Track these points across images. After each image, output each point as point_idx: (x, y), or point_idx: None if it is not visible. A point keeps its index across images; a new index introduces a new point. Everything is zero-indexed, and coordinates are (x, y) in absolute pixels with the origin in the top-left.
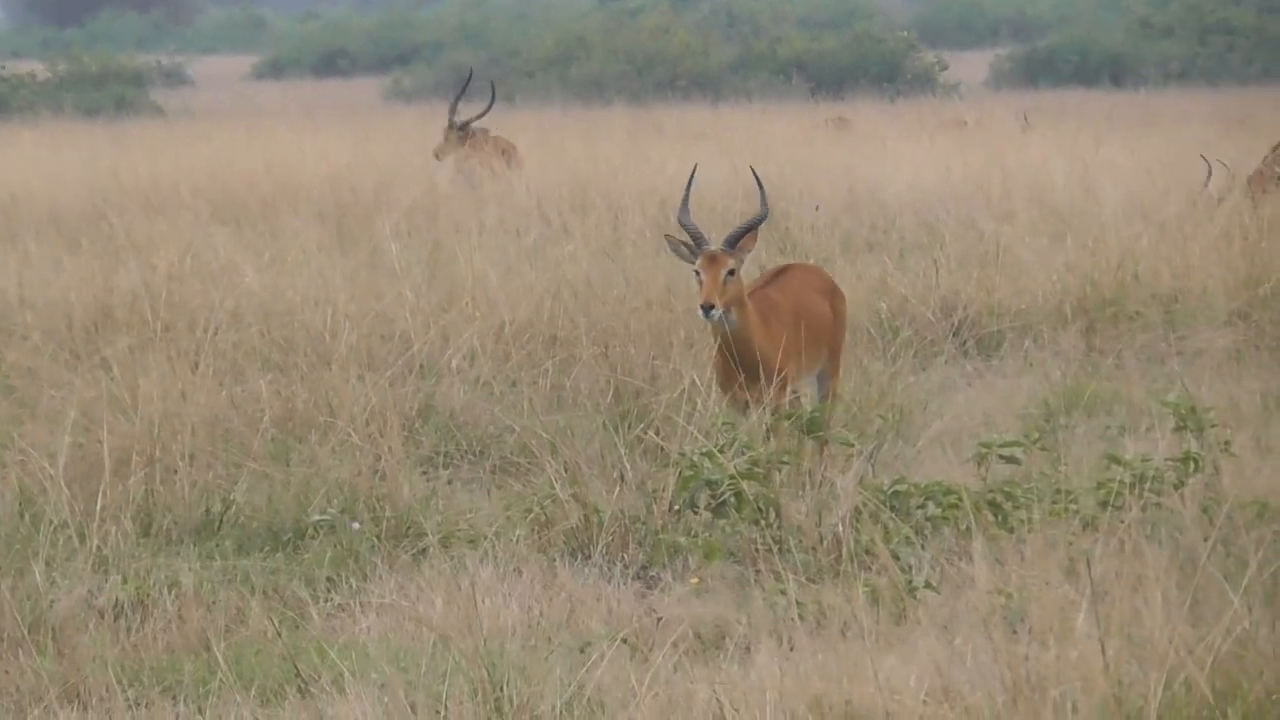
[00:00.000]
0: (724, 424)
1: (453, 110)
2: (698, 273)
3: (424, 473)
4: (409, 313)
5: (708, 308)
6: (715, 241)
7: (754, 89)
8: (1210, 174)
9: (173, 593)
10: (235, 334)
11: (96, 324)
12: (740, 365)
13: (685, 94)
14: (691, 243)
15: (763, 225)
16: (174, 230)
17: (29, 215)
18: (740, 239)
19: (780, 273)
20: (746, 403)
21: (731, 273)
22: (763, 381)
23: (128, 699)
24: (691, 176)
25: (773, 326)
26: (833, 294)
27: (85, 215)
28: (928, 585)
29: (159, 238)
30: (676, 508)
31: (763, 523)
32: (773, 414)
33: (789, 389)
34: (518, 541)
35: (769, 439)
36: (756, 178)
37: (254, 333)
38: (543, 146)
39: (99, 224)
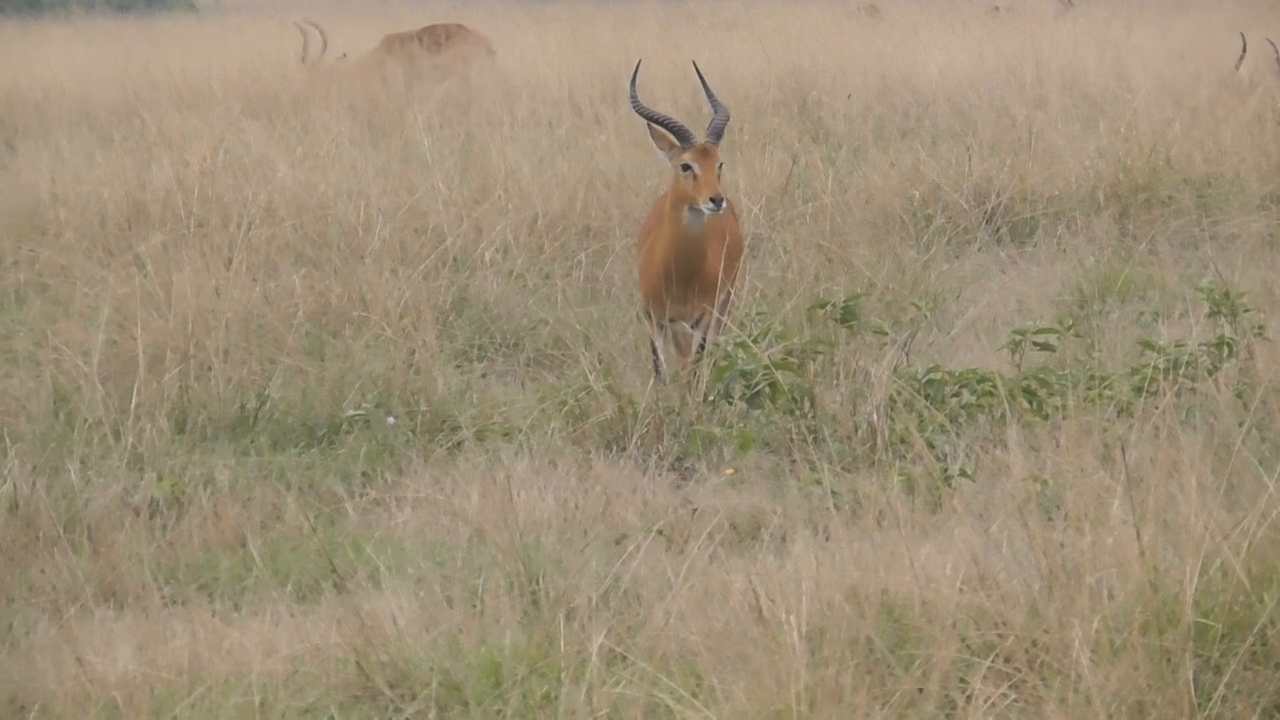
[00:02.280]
0: (758, 313)
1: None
2: (688, 166)
3: (458, 366)
4: (442, 206)
5: (718, 200)
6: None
7: None
8: (1245, 52)
9: (208, 490)
10: (268, 229)
11: (129, 220)
12: (683, 277)
13: None
14: (671, 135)
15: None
16: (206, 126)
17: (61, 112)
18: (720, 135)
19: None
20: (662, 324)
21: (721, 165)
22: (695, 300)
23: (164, 597)
24: (636, 69)
25: (714, 242)
26: (734, 218)
27: (117, 111)
28: (963, 473)
29: (191, 133)
30: (711, 399)
31: (797, 413)
32: (702, 340)
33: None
34: (553, 434)
35: (694, 372)
36: (700, 76)
37: (287, 228)
38: (574, 38)
39: (131, 120)
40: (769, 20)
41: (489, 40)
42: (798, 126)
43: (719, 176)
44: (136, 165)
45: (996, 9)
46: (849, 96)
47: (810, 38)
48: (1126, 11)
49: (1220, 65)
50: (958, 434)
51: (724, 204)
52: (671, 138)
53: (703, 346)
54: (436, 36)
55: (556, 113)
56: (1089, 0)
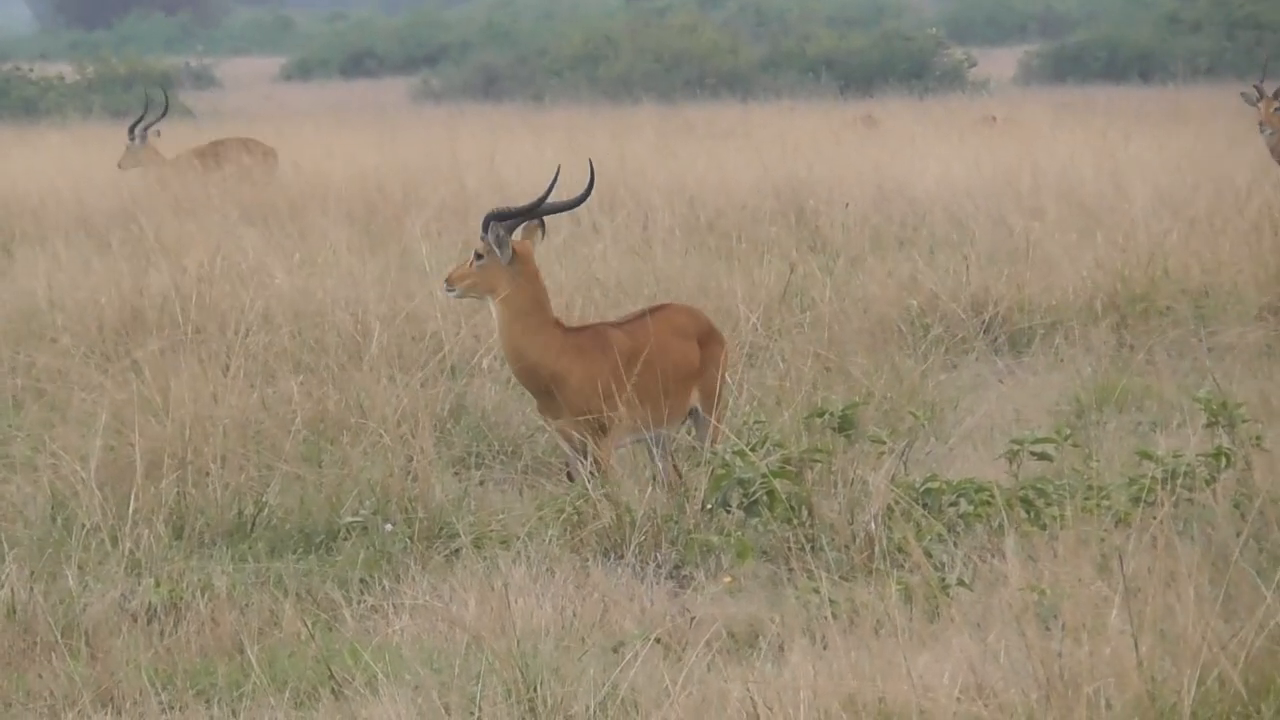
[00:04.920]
0: (755, 422)
1: (136, 124)
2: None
3: (456, 473)
4: (440, 313)
5: (446, 281)
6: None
7: (783, 87)
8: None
9: (205, 595)
10: (266, 335)
11: (127, 326)
12: (523, 383)
13: (714, 92)
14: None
15: (574, 212)
16: (203, 231)
17: (58, 217)
18: (484, 226)
19: (646, 312)
20: (573, 443)
21: (479, 257)
22: (565, 417)
23: (161, 702)
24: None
25: (592, 361)
26: (706, 337)
27: (114, 217)
28: (960, 583)
29: (188, 239)
30: (709, 507)
31: (795, 521)
32: (597, 464)
33: (616, 438)
34: (550, 542)
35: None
36: (554, 181)
37: (285, 334)
38: (571, 146)
39: (128, 226)
40: (766, 129)
41: (273, 149)
42: (795, 235)
43: (470, 265)
44: (134, 271)
45: (993, 119)
46: (846, 206)
47: (807, 147)
48: (1123, 122)
49: (1217, 176)
50: (955, 543)
51: (446, 286)
52: None
53: (595, 471)
54: (221, 150)
55: (553, 221)
56: (1086, 111)
